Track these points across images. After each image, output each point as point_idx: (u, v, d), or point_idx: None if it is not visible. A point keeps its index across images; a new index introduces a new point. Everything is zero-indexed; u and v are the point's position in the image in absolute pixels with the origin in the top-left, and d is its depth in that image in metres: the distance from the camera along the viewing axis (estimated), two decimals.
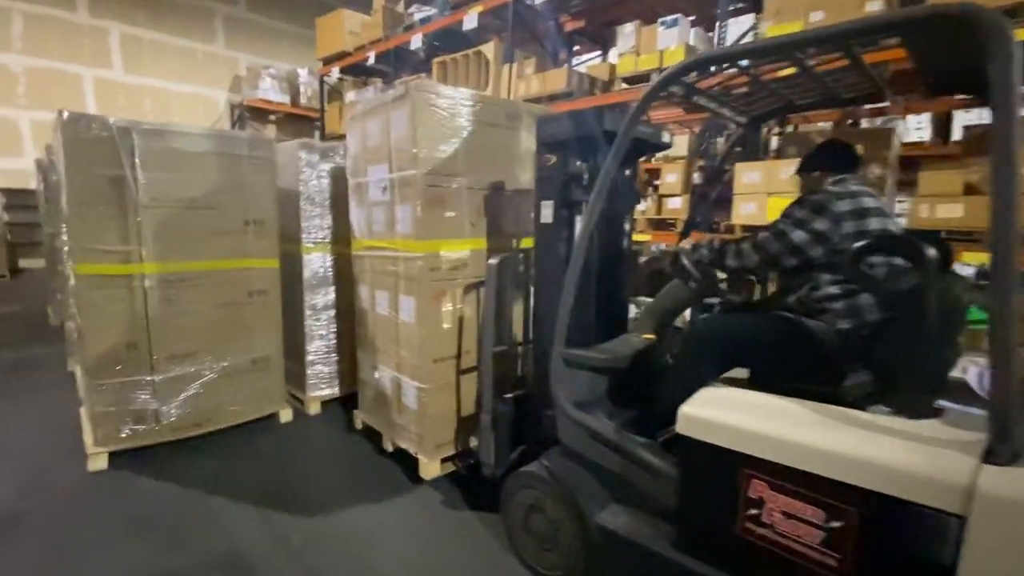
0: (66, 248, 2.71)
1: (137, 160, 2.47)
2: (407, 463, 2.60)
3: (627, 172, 2.18)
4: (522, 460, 2.10)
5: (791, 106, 2.29)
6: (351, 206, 2.92)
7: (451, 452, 2.55)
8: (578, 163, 1.95)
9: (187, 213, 2.64)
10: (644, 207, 5.04)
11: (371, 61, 7.29)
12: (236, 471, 2.61)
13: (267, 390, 3.08)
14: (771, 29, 3.64)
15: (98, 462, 2.52)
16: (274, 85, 11.14)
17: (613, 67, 5.41)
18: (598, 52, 6.76)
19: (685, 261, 1.92)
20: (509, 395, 2.22)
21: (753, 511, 1.37)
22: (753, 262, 1.78)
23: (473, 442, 2.51)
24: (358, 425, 3.09)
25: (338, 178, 3.19)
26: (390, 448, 2.78)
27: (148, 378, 2.62)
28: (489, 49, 5.55)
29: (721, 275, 2.03)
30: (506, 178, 2.61)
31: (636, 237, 4.69)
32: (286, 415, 3.16)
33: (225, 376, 2.88)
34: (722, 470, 1.42)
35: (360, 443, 2.94)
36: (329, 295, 3.34)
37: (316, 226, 3.27)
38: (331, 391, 3.42)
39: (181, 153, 2.59)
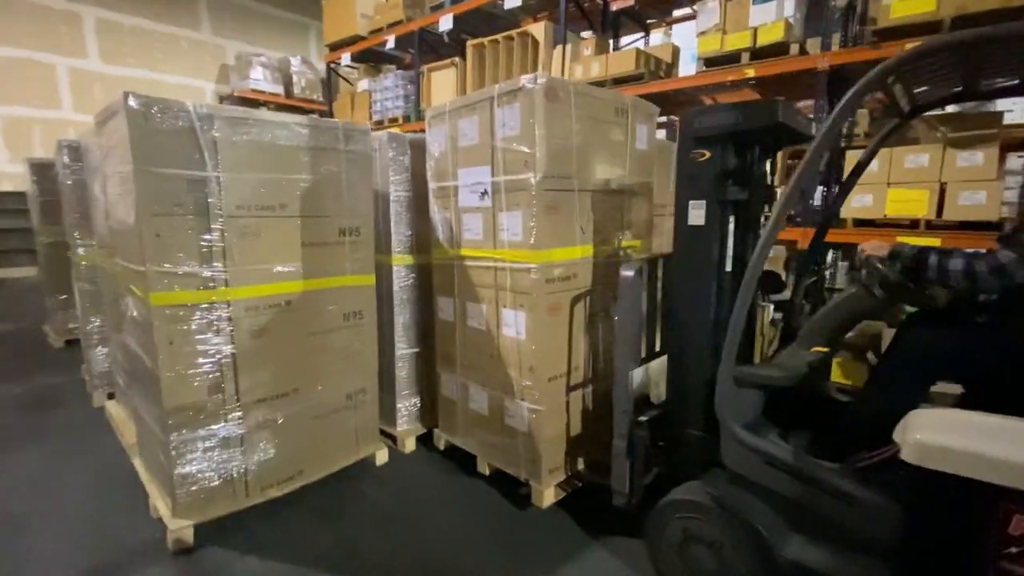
0: (120, 269, 2.17)
1: (220, 157, 1.94)
2: (507, 485, 2.45)
3: (766, 166, 2.00)
4: (655, 486, 1.99)
5: (972, 92, 1.93)
6: (433, 211, 2.60)
7: (563, 477, 2.35)
8: (736, 159, 1.81)
9: (276, 223, 2.13)
10: None
11: (390, 45, 6.71)
12: (351, 536, 2.13)
13: (362, 429, 2.59)
14: (896, 4, 3.28)
15: (182, 538, 2.01)
16: (266, 74, 10.43)
17: (676, 48, 5.02)
18: (640, 34, 6.34)
19: (887, 271, 1.70)
20: (644, 417, 1.99)
21: (1014, 549, 1.27)
22: (990, 287, 1.52)
23: (580, 464, 2.42)
24: (440, 445, 2.81)
25: (417, 177, 2.74)
26: (486, 471, 2.53)
27: (236, 427, 2.11)
28: (538, 30, 5.06)
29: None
30: (610, 177, 2.43)
31: None
32: (382, 456, 2.68)
33: (319, 417, 2.38)
34: (971, 504, 1.32)
35: (481, 487, 2.49)
36: (415, 311, 2.86)
37: (403, 233, 2.79)
38: (420, 423, 2.96)
39: (270, 147, 2.07)
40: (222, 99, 10.51)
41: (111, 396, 3.36)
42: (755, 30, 3.82)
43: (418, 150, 2.73)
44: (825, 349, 1.94)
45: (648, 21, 6.26)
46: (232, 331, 2.05)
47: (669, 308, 2.08)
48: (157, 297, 1.88)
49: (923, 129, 3.46)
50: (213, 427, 2.07)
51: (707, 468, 1.83)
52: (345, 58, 7.44)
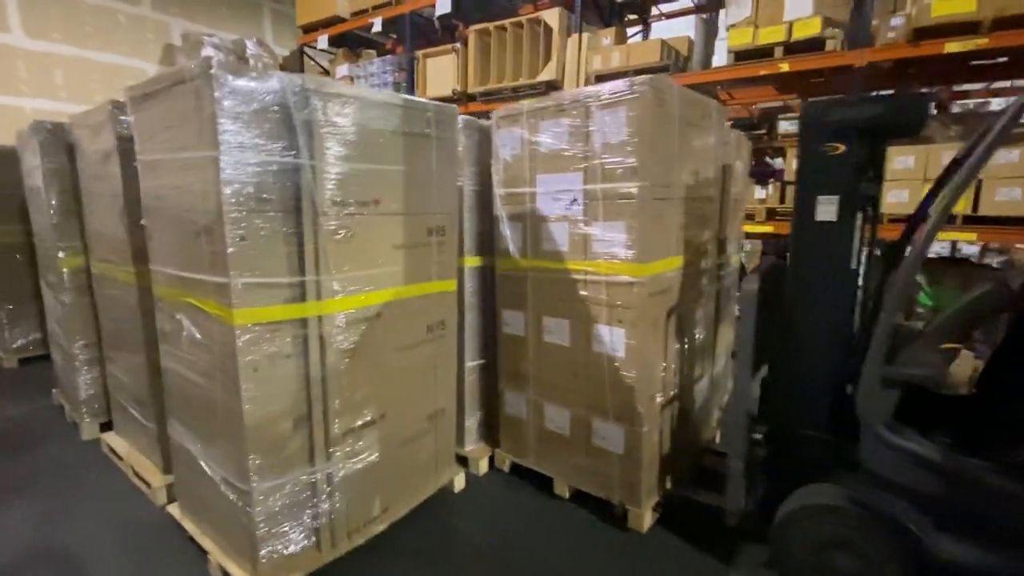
0: (165, 280, 1.76)
1: (315, 141, 1.59)
2: (594, 507, 2.25)
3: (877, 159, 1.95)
4: (765, 500, 1.92)
5: None
6: (500, 218, 2.37)
7: (657, 498, 2.21)
8: (870, 153, 1.75)
9: (370, 222, 1.79)
10: (764, 195, 4.66)
11: (376, 28, 6.25)
12: None
13: (440, 453, 2.29)
14: (937, 3, 3.32)
15: None
16: (219, 57, 9.51)
17: (691, 41, 4.94)
18: (639, 28, 6.24)
19: None
20: (758, 435, 1.93)
21: None
22: None
23: (668, 482, 2.28)
24: (504, 466, 2.58)
25: (485, 169, 2.47)
26: (565, 494, 2.34)
27: (324, 466, 1.77)
28: (552, 16, 4.82)
29: None
30: (699, 181, 2.31)
31: (753, 228, 4.31)
32: (459, 481, 2.39)
33: (404, 444, 2.07)
34: None
35: (571, 511, 2.26)
36: (478, 319, 2.59)
37: (473, 232, 2.50)
38: (485, 442, 2.69)
39: (364, 131, 1.73)
40: None
41: (105, 427, 2.84)
42: (790, 24, 3.78)
43: (486, 138, 2.46)
44: (957, 345, 1.91)
45: (649, 14, 6.18)
46: (322, 351, 1.71)
47: (788, 311, 1.96)
48: (242, 315, 1.51)
49: (961, 128, 3.55)
50: (300, 468, 1.72)
51: (824, 472, 1.78)
52: (321, 41, 6.88)
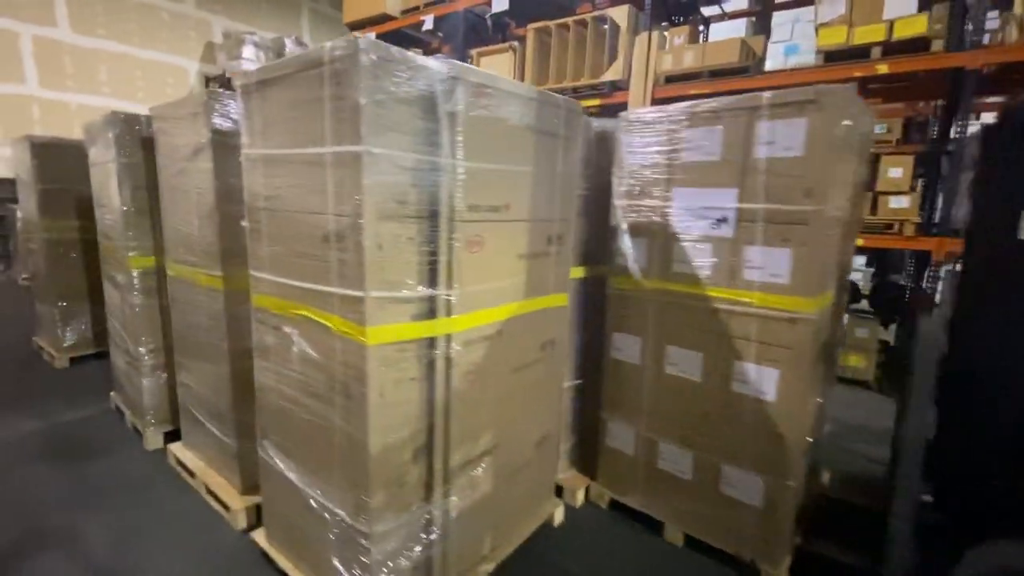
0: (274, 290, 1.58)
1: (460, 137, 1.40)
2: (712, 558, 2.01)
3: None
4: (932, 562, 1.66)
5: None
6: (620, 230, 2.13)
7: (791, 557, 1.94)
8: None
9: (499, 229, 1.60)
10: None
11: (427, 26, 6.10)
12: None
13: (543, 483, 2.09)
14: None
15: None
16: (259, 55, 9.49)
17: (766, 41, 4.69)
18: (700, 28, 6.00)
19: None
20: (927, 496, 1.74)
21: None
22: None
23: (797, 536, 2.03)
24: (601, 502, 2.34)
25: (597, 172, 2.26)
26: (679, 541, 2.10)
27: (440, 503, 1.57)
28: (620, 14, 4.62)
29: None
30: (850, 202, 2.02)
31: None
32: (559, 514, 2.18)
33: (513, 473, 1.87)
34: None
35: (687, 560, 2.03)
36: (578, 335, 2.37)
37: (581, 239, 2.28)
38: (580, 470, 2.47)
39: (501, 127, 1.53)
40: (209, 80, 9.51)
41: (170, 436, 2.69)
42: (891, 23, 3.52)
43: (596, 137, 2.26)
44: None
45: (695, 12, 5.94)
46: (448, 374, 1.51)
47: (972, 346, 1.72)
48: (375, 333, 1.32)
49: None
50: (418, 504, 1.52)
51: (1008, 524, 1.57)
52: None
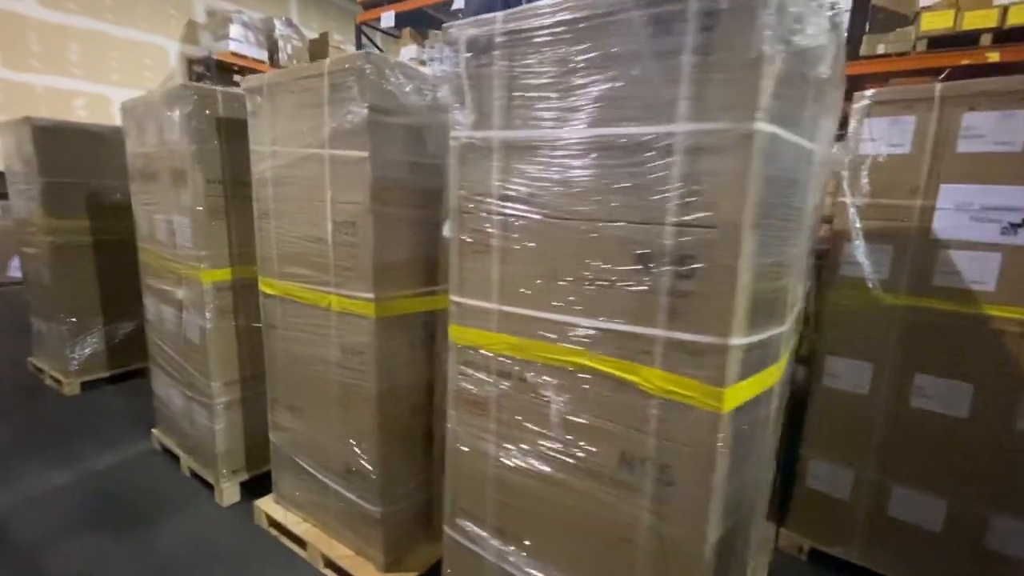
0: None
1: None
2: None
3: None
4: None
5: None
6: (853, 234, 1.76)
7: None
8: None
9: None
10: None
11: (458, 4, 5.60)
12: None
13: (767, 525, 1.72)
14: None
15: None
16: (248, 35, 8.74)
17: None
18: None
19: None
20: None
21: None
22: None
23: None
24: (794, 550, 2.00)
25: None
26: None
27: None
28: None
29: None
30: None
31: None
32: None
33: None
34: None
35: None
36: None
37: None
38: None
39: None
40: (192, 63, 8.68)
41: (248, 487, 2.20)
42: (1004, 8, 3.30)
43: None
44: None
45: None
46: (771, 433, 1.12)
47: None
48: (734, 394, 0.91)
49: None
50: None
51: None
52: (386, 18, 6.20)
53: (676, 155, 0.90)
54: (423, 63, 6.07)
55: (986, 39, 3.38)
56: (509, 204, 1.13)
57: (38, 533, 1.99)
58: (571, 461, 1.12)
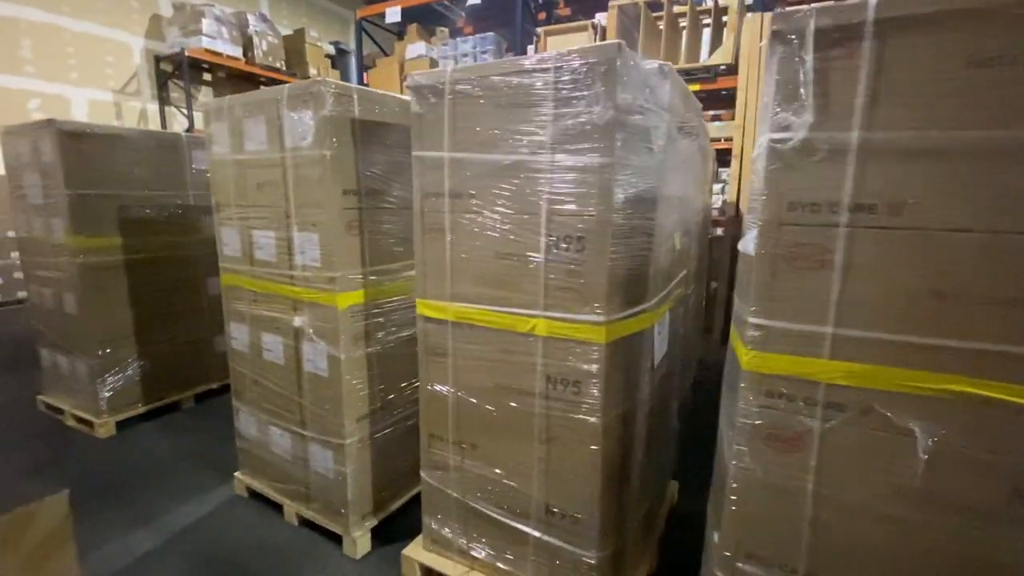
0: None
1: None
2: None
3: None
4: None
5: None
6: None
7: None
8: None
9: None
10: None
11: (473, 0, 5.41)
12: None
13: None
14: None
15: None
16: (221, 31, 8.15)
17: None
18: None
19: None
20: None
21: None
22: None
23: None
24: None
25: None
26: None
27: None
28: None
29: None
30: None
31: None
32: None
33: None
34: None
35: None
36: None
37: None
38: None
39: None
40: (160, 60, 8.01)
41: (378, 534, 1.96)
42: None
43: None
44: None
45: None
46: None
47: None
48: None
49: None
50: None
51: None
52: (391, 14, 5.91)
53: None
54: (433, 61, 5.83)
55: None
56: (854, 215, 1.00)
57: None
58: (938, 499, 1.01)
